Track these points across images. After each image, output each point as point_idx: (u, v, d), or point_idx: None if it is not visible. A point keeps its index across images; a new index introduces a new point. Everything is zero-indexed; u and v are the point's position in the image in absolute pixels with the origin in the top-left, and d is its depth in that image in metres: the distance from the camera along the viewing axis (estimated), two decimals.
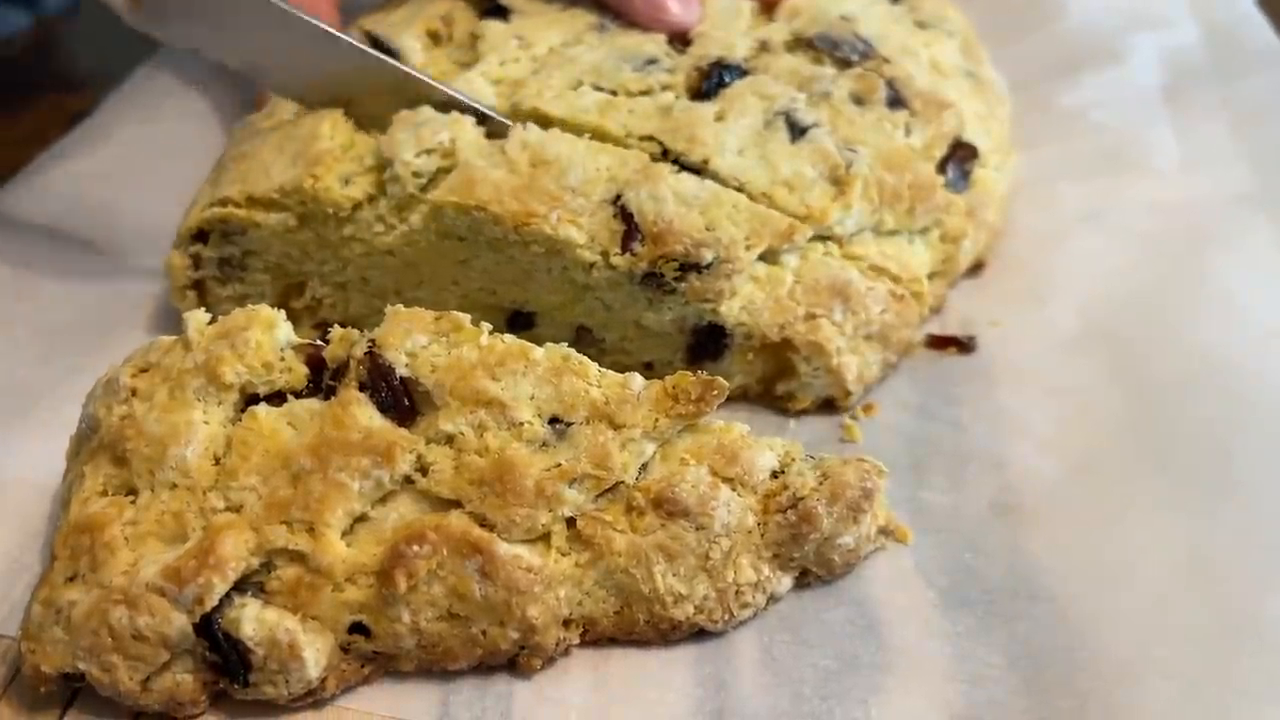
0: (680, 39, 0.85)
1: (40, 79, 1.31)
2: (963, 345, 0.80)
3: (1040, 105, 1.04)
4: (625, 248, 0.67)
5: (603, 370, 0.62)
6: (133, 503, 0.60)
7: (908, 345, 0.78)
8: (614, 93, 0.79)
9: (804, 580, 0.64)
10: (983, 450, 0.71)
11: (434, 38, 0.88)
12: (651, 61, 0.82)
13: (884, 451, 0.71)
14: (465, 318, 0.63)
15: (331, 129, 0.76)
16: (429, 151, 0.72)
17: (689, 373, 0.62)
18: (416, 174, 0.71)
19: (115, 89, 1.16)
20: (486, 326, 0.63)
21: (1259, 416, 0.71)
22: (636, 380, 0.62)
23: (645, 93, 0.80)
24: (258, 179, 0.76)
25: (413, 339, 0.62)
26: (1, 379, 0.80)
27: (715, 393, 0.61)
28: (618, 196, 0.68)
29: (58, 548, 0.60)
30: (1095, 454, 0.70)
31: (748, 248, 0.69)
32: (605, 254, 0.68)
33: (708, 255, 0.68)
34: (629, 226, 0.67)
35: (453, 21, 0.90)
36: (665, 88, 0.80)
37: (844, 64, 0.84)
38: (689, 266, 0.68)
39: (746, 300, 0.70)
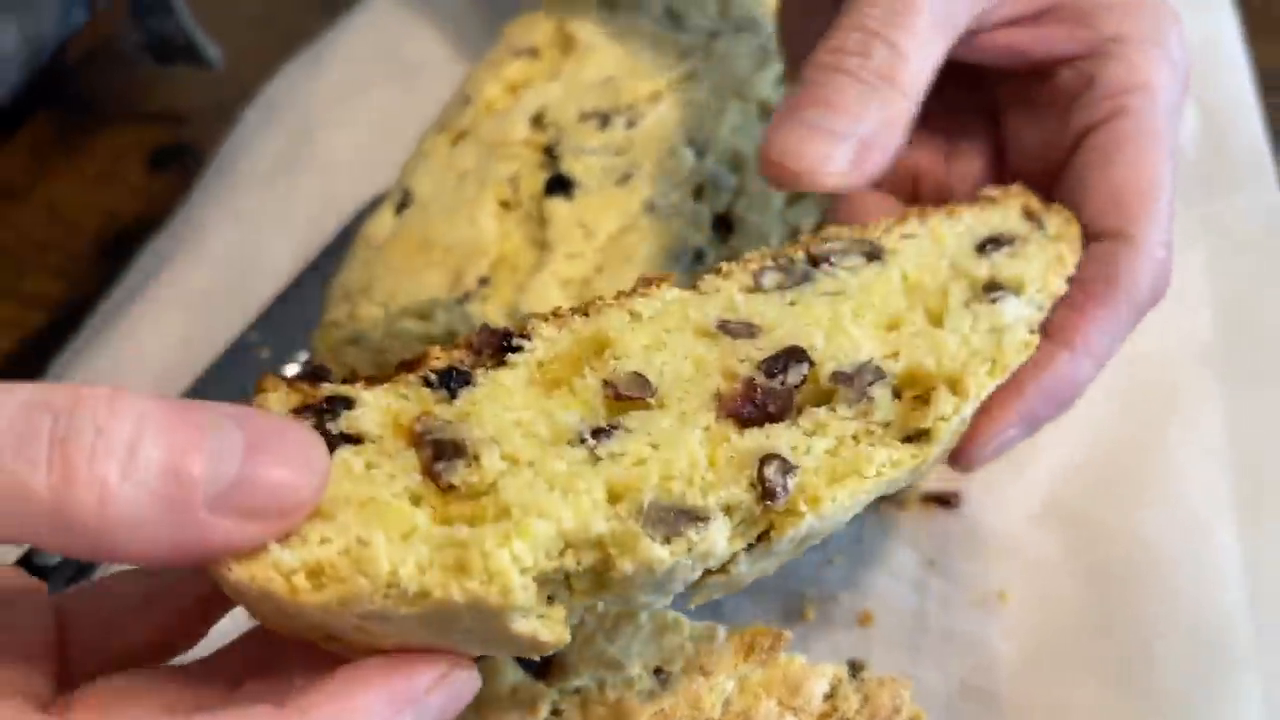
0: (724, 224, 0.95)
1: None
2: (947, 502, 0.92)
3: None
4: None
5: (692, 624, 0.77)
6: None
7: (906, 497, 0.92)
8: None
9: None
10: (962, 630, 0.83)
11: (504, 205, 0.96)
12: (698, 256, 0.92)
13: (889, 628, 0.85)
14: None
15: None
16: None
17: (764, 627, 0.78)
18: None
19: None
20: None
21: (1179, 620, 0.77)
22: (720, 632, 0.77)
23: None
24: None
25: None
26: None
27: (783, 642, 0.78)
28: None
29: None
30: (1047, 643, 0.79)
31: None
32: None
33: None
34: None
35: (519, 183, 0.97)
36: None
37: None
38: None
39: None
